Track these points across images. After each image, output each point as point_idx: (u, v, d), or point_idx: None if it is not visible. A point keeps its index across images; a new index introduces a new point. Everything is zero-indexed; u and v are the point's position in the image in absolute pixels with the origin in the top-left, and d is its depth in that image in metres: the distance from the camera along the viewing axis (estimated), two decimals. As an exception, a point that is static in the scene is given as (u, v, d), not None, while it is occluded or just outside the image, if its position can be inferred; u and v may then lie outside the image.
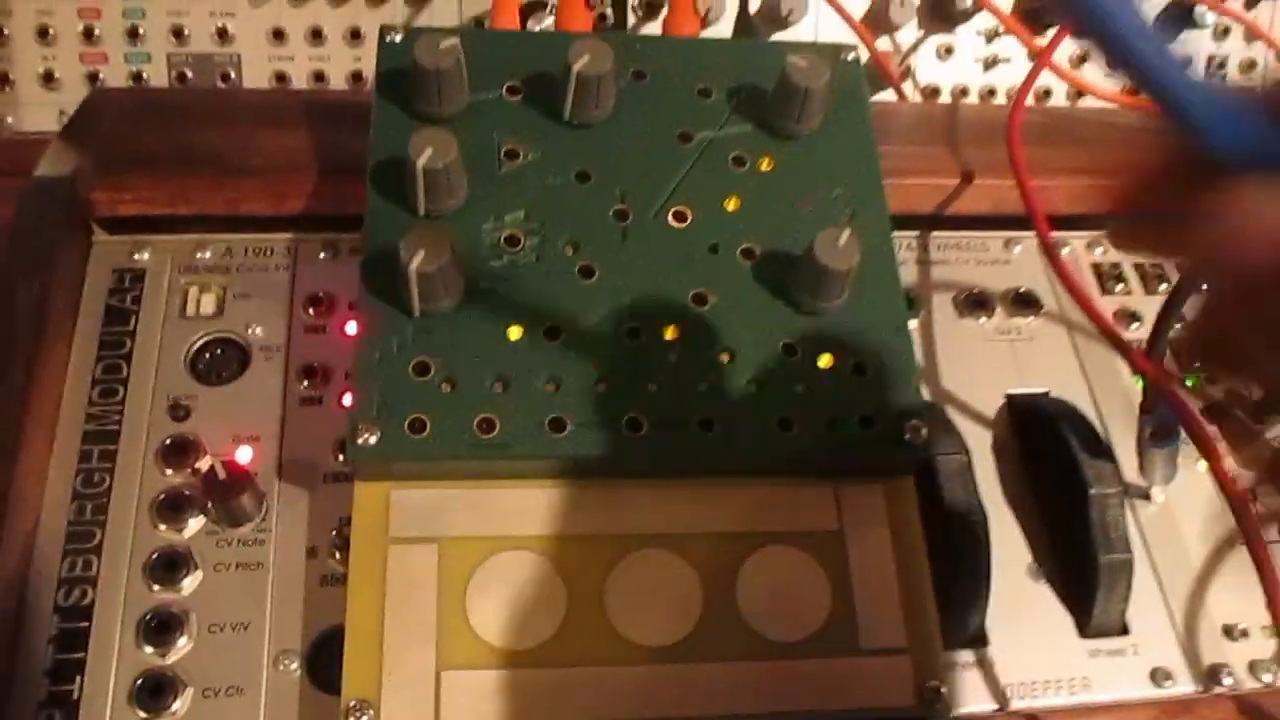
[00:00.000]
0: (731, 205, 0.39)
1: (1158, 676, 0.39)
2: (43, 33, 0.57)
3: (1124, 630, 0.39)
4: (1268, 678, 0.39)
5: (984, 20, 0.64)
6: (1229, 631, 0.40)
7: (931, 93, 0.65)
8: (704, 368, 0.36)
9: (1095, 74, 0.65)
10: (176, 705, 0.34)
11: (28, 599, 0.35)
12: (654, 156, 0.39)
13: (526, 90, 0.40)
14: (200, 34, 0.58)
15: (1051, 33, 0.64)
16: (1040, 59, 0.51)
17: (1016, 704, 0.37)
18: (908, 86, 0.64)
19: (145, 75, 0.58)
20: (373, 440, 0.33)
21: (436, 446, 0.34)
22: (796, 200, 0.39)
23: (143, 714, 0.34)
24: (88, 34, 0.57)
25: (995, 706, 0.37)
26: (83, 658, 0.35)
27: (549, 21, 0.52)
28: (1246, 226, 0.19)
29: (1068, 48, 0.63)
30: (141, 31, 0.57)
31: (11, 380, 0.37)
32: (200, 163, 0.43)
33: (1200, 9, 0.65)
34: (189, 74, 0.58)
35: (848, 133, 0.41)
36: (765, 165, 0.40)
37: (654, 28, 0.59)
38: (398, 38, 0.40)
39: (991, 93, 0.66)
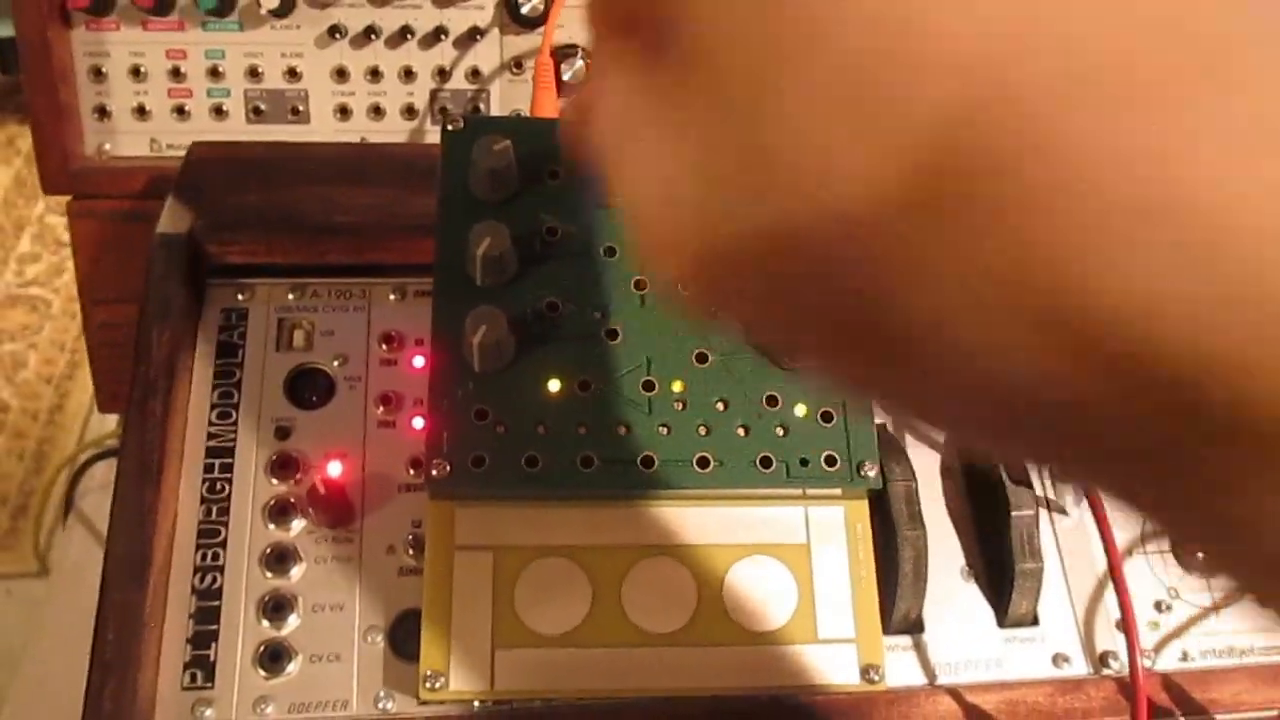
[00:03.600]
0: (730, 276, 0.48)
1: (1058, 660, 0.48)
2: (135, 71, 0.65)
3: (1034, 622, 0.49)
4: (1146, 664, 0.49)
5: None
6: (1119, 625, 0.50)
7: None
8: (703, 414, 0.45)
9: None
10: (290, 668, 0.44)
11: (172, 583, 0.45)
12: (668, 233, 0.48)
13: (565, 174, 0.48)
14: (273, 73, 0.66)
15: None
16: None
17: (943, 680, 0.47)
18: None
19: (225, 108, 0.66)
20: (444, 474, 0.43)
21: (492, 479, 0.43)
22: (783, 272, 0.48)
23: (264, 674, 0.44)
24: (174, 72, 0.65)
25: (926, 681, 0.47)
26: (216, 629, 0.45)
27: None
28: None
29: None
30: (221, 71, 0.65)
31: (152, 414, 0.46)
32: (292, 220, 0.52)
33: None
34: (263, 107, 0.66)
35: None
36: (759, 241, 0.48)
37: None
38: (457, 126, 0.49)
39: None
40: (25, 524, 1.52)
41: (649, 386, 0.45)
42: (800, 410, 0.46)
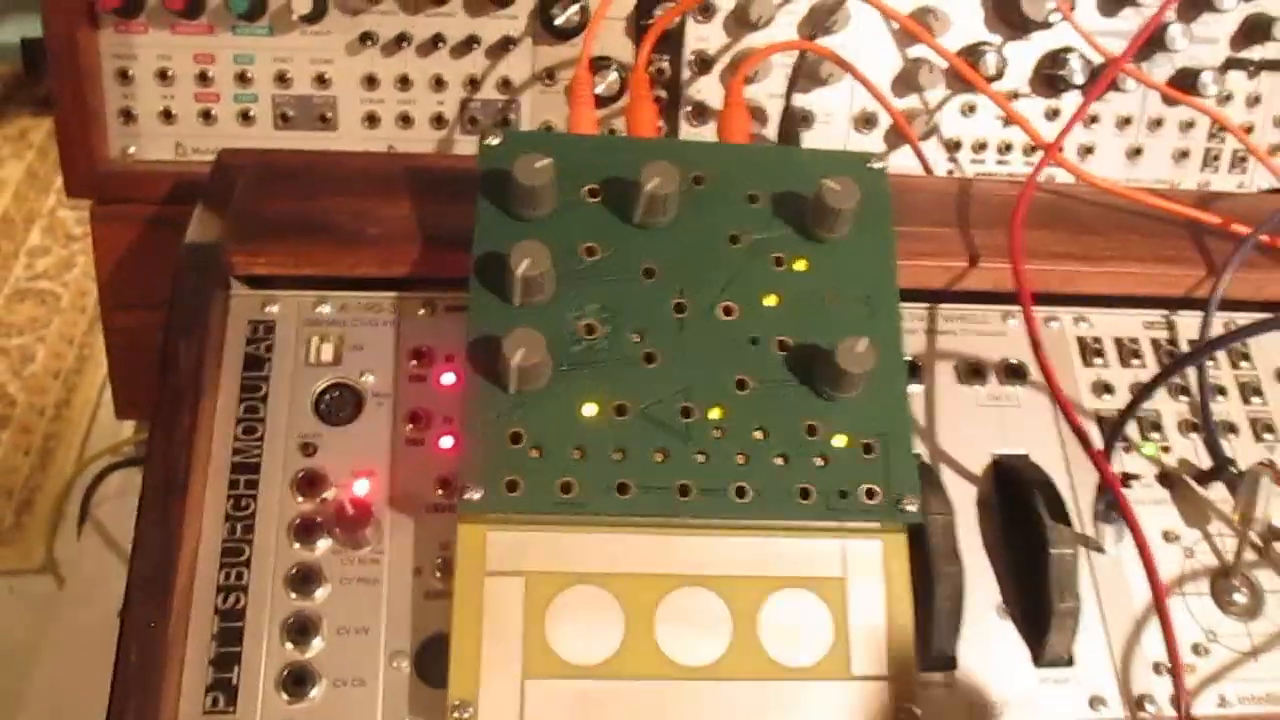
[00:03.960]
0: (771, 301, 0.47)
1: (1094, 703, 0.47)
2: (162, 74, 0.64)
3: (1070, 662, 0.48)
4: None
5: (1005, 83, 0.71)
6: (1157, 668, 0.48)
7: (954, 146, 0.72)
8: (742, 443, 0.44)
9: (1099, 164, 0.72)
10: (314, 693, 0.43)
11: (195, 602, 0.44)
12: (708, 256, 0.47)
13: (603, 193, 0.47)
14: (302, 79, 0.65)
15: (1063, 115, 0.70)
16: (1047, 152, 0.58)
17: None
18: (932, 141, 0.71)
19: (252, 113, 0.65)
20: (477, 497, 0.42)
21: (527, 503, 0.42)
22: (825, 299, 0.47)
23: (287, 698, 0.43)
24: (202, 77, 0.64)
25: (960, 721, 0.46)
26: (238, 651, 0.44)
27: (619, 121, 0.59)
28: None
29: (1077, 136, 0.70)
30: (250, 76, 0.64)
31: (180, 428, 0.45)
32: (321, 231, 0.51)
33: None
34: (290, 114, 0.65)
35: (871, 238, 0.48)
36: (800, 266, 0.48)
37: (709, 87, 0.66)
38: (496, 141, 0.48)
39: (1008, 147, 0.73)
40: (30, 520, 1.51)
41: (687, 413, 0.44)
42: (840, 441, 0.45)
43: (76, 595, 0.70)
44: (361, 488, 0.47)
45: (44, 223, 1.96)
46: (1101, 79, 0.62)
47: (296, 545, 0.46)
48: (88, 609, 0.61)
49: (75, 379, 1.74)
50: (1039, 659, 0.48)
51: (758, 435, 0.44)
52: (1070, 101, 0.71)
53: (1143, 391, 0.48)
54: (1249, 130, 0.74)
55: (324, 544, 0.46)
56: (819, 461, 0.44)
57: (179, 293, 0.48)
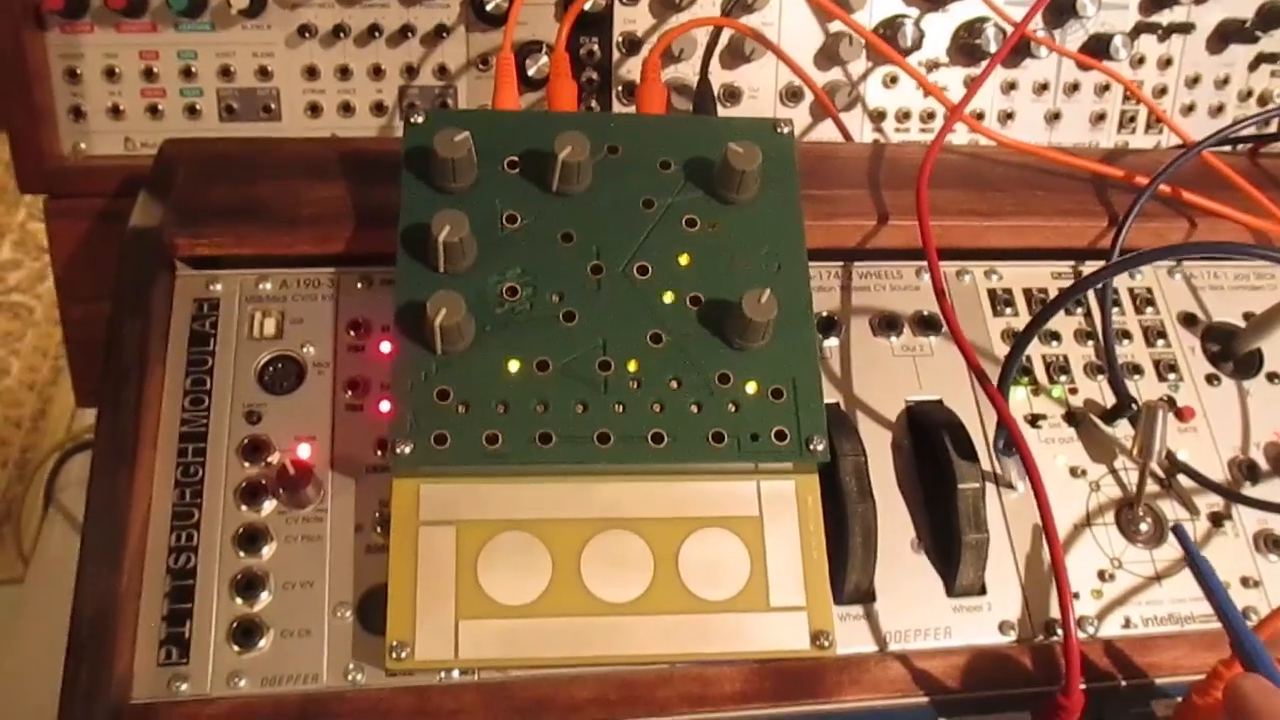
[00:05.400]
0: (684, 260, 0.50)
1: (1004, 628, 0.50)
2: (110, 72, 0.66)
3: (982, 591, 0.51)
4: (1090, 630, 0.51)
5: (924, 54, 0.74)
6: (1063, 593, 0.51)
7: (878, 116, 0.75)
8: (657, 393, 0.47)
9: (1018, 130, 0.75)
10: (262, 643, 0.46)
11: (147, 564, 0.47)
12: (623, 220, 0.50)
13: (522, 165, 0.50)
14: (245, 72, 0.67)
15: (973, 76, 0.73)
16: (953, 113, 0.61)
17: (893, 647, 0.49)
18: (856, 112, 0.74)
19: (198, 107, 0.68)
20: (407, 451, 0.45)
21: (454, 455, 0.45)
22: (735, 256, 0.50)
23: (237, 649, 0.46)
24: (148, 73, 0.67)
25: (876, 649, 0.49)
26: (190, 607, 0.46)
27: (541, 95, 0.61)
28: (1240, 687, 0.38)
29: (983, 99, 0.73)
30: (194, 71, 0.67)
31: (126, 401, 0.48)
32: (260, 214, 0.53)
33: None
34: (235, 106, 0.68)
35: (778, 199, 0.51)
36: (711, 227, 0.50)
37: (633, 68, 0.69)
38: (419, 119, 0.50)
39: (930, 116, 0.76)
40: (8, 531, 1.53)
41: (605, 366, 0.47)
42: (751, 388, 0.48)
43: (41, 577, 0.71)
44: (304, 451, 0.49)
45: (14, 236, 1.97)
46: (1004, 45, 0.65)
47: (243, 508, 0.48)
48: (52, 591, 0.63)
49: (51, 390, 1.76)
50: (951, 589, 0.51)
51: (673, 385, 0.47)
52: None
53: (1033, 322, 0.51)
54: (1162, 92, 0.78)
55: (269, 505, 0.49)
56: (731, 408, 0.47)
57: (123, 275, 0.51)
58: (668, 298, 0.48)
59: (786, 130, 0.53)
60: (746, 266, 0.50)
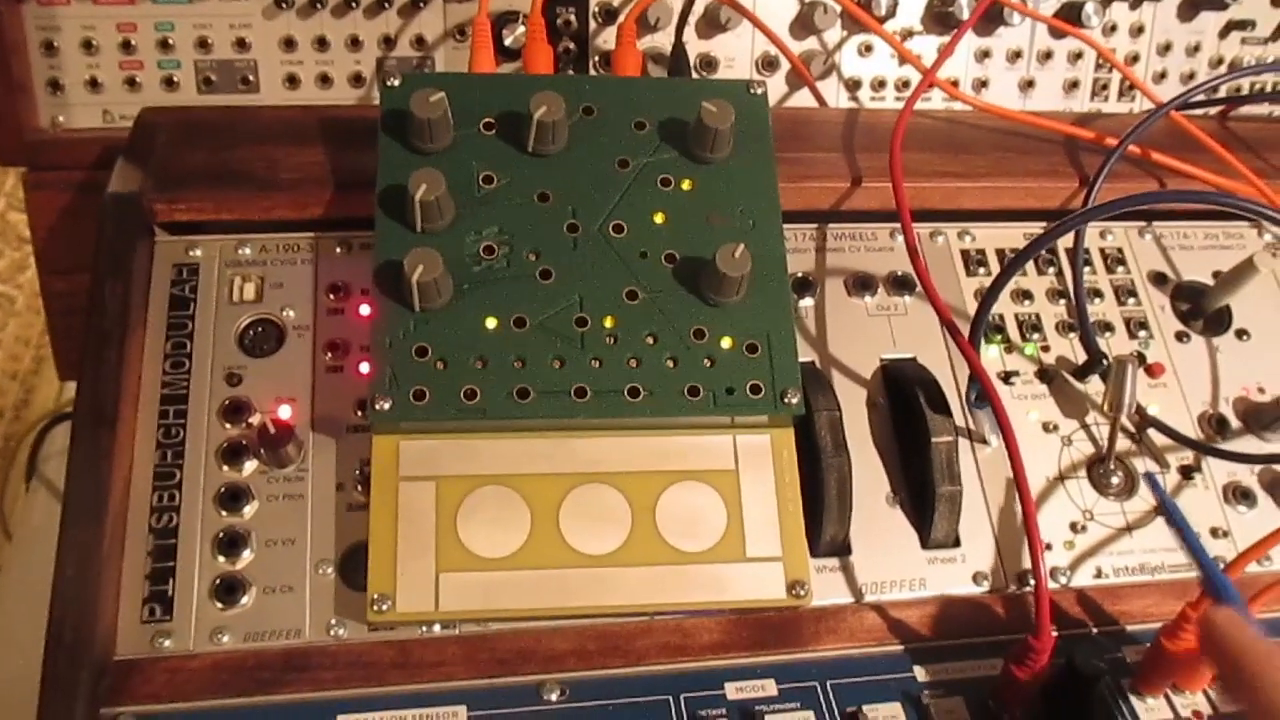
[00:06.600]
0: (659, 219, 0.50)
1: (978, 578, 0.51)
2: (87, 45, 0.66)
3: (956, 543, 0.52)
4: (1062, 580, 0.52)
5: (898, 22, 0.74)
6: (1035, 543, 0.52)
7: (854, 84, 0.76)
8: (634, 349, 0.48)
9: (993, 97, 0.75)
10: (245, 600, 0.46)
11: (130, 523, 0.47)
12: (599, 180, 0.50)
13: (498, 126, 0.51)
14: (222, 44, 0.67)
15: (943, 44, 0.74)
16: (925, 77, 0.61)
17: (869, 598, 0.50)
18: (832, 80, 0.75)
19: (176, 79, 0.67)
20: (386, 407, 0.45)
21: (433, 411, 0.45)
22: (709, 215, 0.50)
23: (220, 605, 0.46)
24: (125, 45, 0.66)
25: (852, 599, 0.50)
26: (172, 565, 0.47)
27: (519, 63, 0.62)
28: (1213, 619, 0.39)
29: (957, 66, 0.74)
30: (171, 43, 0.67)
31: (108, 363, 0.48)
32: (238, 179, 0.53)
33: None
34: (213, 78, 0.68)
35: (752, 158, 0.52)
36: (686, 186, 0.51)
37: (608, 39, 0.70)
38: (396, 82, 0.51)
39: (905, 84, 0.76)
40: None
41: (582, 323, 0.48)
42: (726, 343, 0.48)
43: (24, 546, 0.72)
44: (285, 411, 0.50)
45: (-4, 226, 1.96)
46: (975, 11, 0.65)
47: (225, 468, 0.49)
48: (35, 560, 0.63)
49: (33, 380, 1.75)
50: (926, 541, 0.52)
51: (649, 341, 0.48)
52: (964, 39, 0.75)
53: (1003, 272, 0.52)
54: (1134, 59, 0.78)
55: (251, 465, 0.49)
56: (707, 362, 0.48)
57: (103, 240, 0.51)
58: (643, 255, 0.49)
59: (760, 90, 0.53)
60: (721, 224, 0.50)
